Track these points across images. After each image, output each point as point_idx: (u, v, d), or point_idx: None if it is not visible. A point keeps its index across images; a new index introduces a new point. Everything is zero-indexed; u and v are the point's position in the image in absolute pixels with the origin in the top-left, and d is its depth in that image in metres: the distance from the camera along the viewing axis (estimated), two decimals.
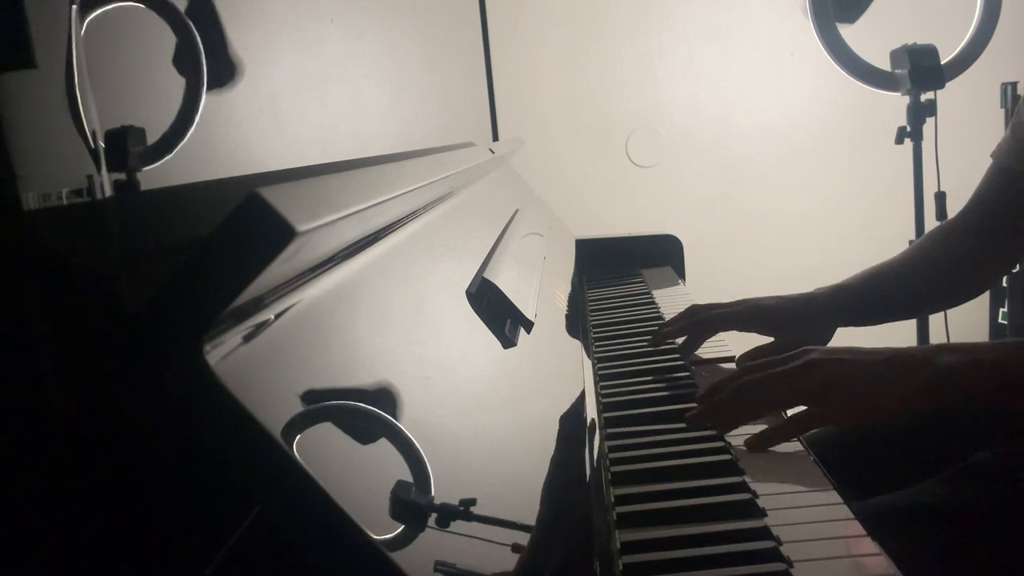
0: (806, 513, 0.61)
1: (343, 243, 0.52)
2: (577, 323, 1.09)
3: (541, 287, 0.98)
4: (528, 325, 0.81)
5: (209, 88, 0.57)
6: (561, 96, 2.73)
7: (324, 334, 0.46)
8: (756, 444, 0.72)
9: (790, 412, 0.76)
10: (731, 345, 1.03)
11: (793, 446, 0.73)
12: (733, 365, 0.97)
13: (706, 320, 1.00)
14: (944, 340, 2.23)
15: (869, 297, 1.05)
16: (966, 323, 2.22)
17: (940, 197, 2.19)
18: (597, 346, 1.07)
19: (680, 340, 1.01)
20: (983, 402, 0.73)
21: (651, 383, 0.90)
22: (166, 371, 0.34)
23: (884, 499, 0.82)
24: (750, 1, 2.70)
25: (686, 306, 1.05)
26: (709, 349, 1.01)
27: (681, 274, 1.59)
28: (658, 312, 1.22)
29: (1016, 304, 2.33)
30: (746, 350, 1.00)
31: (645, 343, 1.05)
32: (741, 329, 1.02)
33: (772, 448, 0.72)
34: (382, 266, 0.60)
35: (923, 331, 2.25)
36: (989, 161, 1.06)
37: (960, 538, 0.75)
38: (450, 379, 0.59)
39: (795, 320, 1.01)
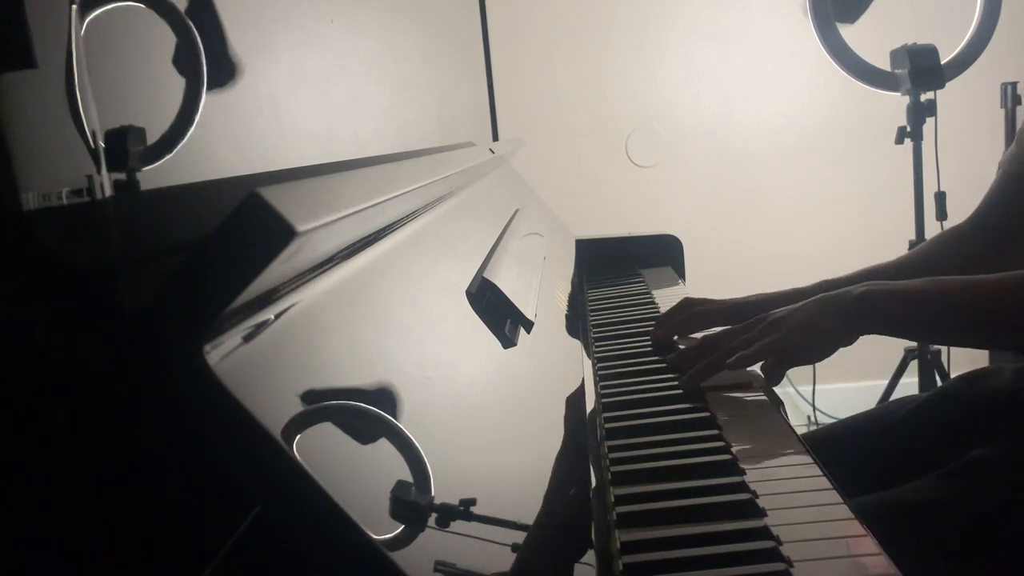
0: (806, 513, 0.60)
1: (343, 243, 0.52)
2: (577, 323, 1.09)
3: (541, 287, 0.98)
4: (528, 325, 0.81)
5: (209, 88, 0.57)
6: (561, 96, 2.73)
7: (324, 334, 0.46)
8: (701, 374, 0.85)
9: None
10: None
11: (793, 446, 0.73)
12: None
13: (696, 316, 1.05)
14: None
15: None
16: None
17: (940, 197, 2.18)
18: (597, 346, 1.07)
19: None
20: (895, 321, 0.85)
21: (651, 383, 0.90)
22: (166, 371, 0.34)
23: (881, 495, 0.82)
24: (750, 1, 2.70)
25: None
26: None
27: (681, 274, 1.59)
28: (658, 312, 1.22)
29: None
30: None
31: (645, 343, 1.05)
32: (728, 324, 1.04)
33: (772, 448, 0.72)
34: (382, 266, 0.60)
35: None
36: (989, 161, 1.07)
37: (956, 534, 0.75)
38: (450, 379, 0.59)
39: None
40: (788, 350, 0.85)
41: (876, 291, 0.84)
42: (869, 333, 0.84)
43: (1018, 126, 1.04)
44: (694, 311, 1.05)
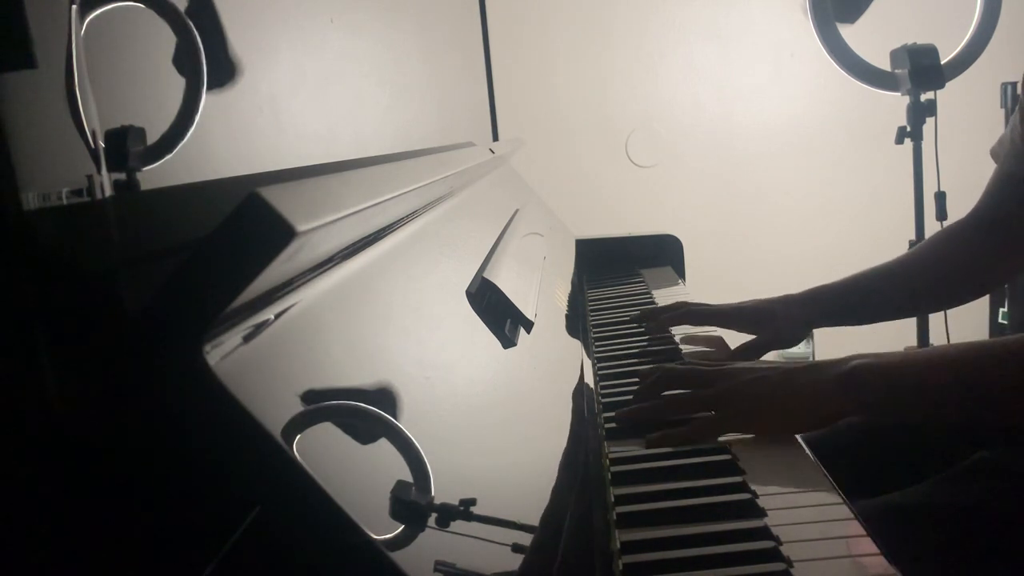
0: (806, 513, 0.60)
1: (343, 243, 0.52)
2: (577, 323, 1.09)
3: (541, 287, 0.98)
4: (528, 325, 0.81)
5: (209, 88, 0.56)
6: (561, 96, 2.73)
7: (324, 334, 0.46)
8: (657, 441, 0.73)
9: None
10: (721, 333, 1.10)
11: (793, 446, 0.73)
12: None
13: (691, 315, 1.08)
14: (944, 339, 2.23)
15: (852, 298, 1.08)
16: (967, 322, 2.22)
17: (940, 197, 2.19)
18: (597, 346, 1.07)
19: (673, 329, 1.10)
20: (882, 406, 0.73)
21: None
22: (166, 371, 0.34)
23: (884, 498, 0.82)
24: (750, 1, 2.70)
25: None
26: (701, 331, 1.10)
27: (681, 274, 1.59)
28: None
29: (1016, 305, 2.32)
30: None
31: (645, 343, 1.05)
32: (722, 326, 1.09)
33: (772, 448, 0.72)
34: (382, 266, 0.60)
35: (923, 331, 2.25)
36: (989, 161, 1.07)
37: (960, 537, 0.75)
38: (450, 379, 0.59)
39: (770, 318, 1.07)
40: (727, 430, 0.74)
41: (868, 372, 0.71)
42: (853, 417, 0.74)
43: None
44: (687, 309, 1.07)
